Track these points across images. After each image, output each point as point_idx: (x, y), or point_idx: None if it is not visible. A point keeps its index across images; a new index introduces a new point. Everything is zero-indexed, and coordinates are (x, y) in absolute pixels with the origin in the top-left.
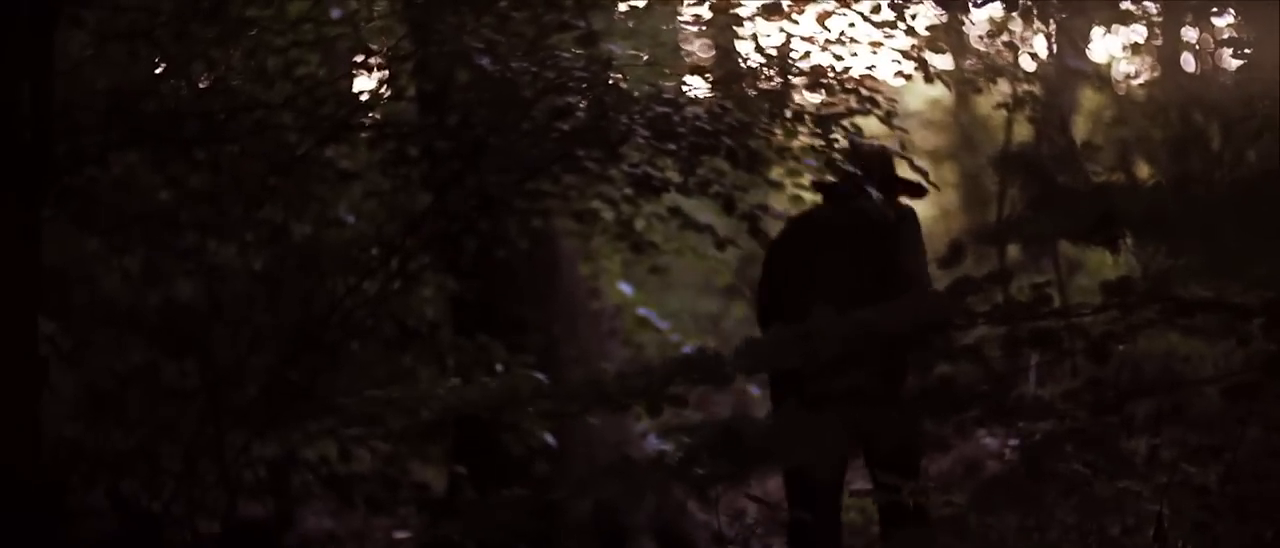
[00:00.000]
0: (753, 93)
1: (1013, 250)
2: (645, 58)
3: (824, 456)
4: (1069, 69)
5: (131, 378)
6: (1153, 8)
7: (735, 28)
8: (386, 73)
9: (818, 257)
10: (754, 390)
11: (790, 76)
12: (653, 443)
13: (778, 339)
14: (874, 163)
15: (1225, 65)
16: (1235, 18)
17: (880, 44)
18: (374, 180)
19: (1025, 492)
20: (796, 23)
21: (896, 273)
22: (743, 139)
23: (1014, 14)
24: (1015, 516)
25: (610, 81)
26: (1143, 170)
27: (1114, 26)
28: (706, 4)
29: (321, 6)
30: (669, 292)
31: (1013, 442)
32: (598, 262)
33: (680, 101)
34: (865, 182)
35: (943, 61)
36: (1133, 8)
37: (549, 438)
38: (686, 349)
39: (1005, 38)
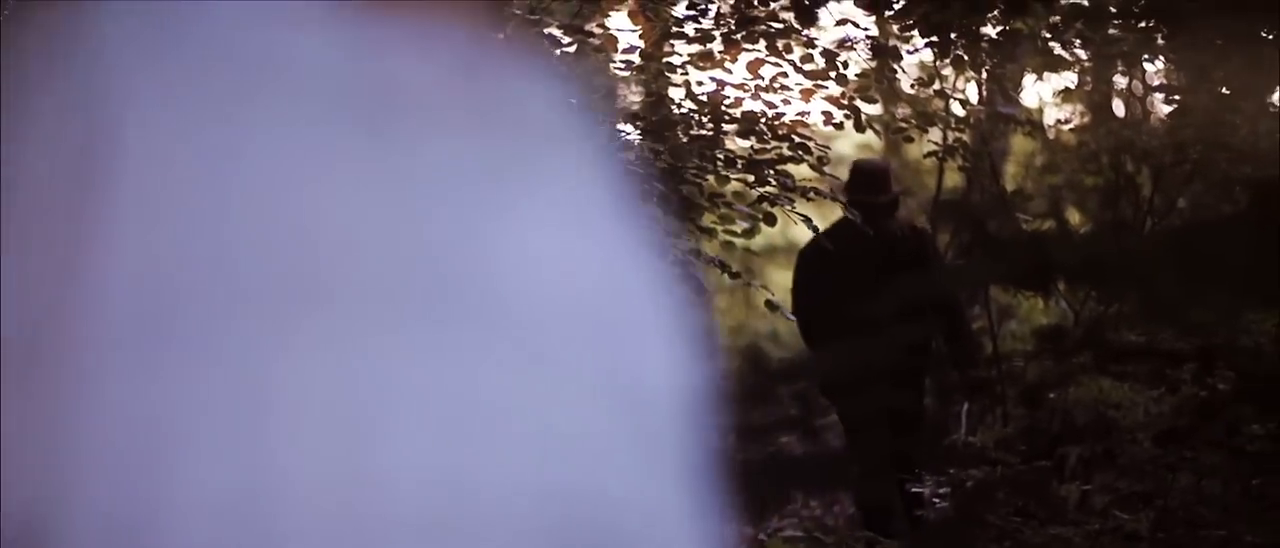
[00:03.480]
0: (685, 139)
1: None
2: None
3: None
4: (1000, 115)
5: None
6: (1083, 54)
7: (668, 74)
8: None
9: (843, 280)
10: None
11: (723, 123)
12: None
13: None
14: (880, 179)
15: (1156, 111)
16: (1165, 64)
17: (812, 92)
18: None
19: (960, 537)
20: (729, 71)
21: (928, 285)
22: (675, 185)
23: (945, 61)
24: None
25: None
26: (1074, 217)
27: (1045, 73)
28: (638, 51)
29: None
30: None
31: (943, 489)
32: None
33: (612, 147)
34: (879, 197)
35: (874, 109)
36: (1064, 54)
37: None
38: None
39: (936, 85)
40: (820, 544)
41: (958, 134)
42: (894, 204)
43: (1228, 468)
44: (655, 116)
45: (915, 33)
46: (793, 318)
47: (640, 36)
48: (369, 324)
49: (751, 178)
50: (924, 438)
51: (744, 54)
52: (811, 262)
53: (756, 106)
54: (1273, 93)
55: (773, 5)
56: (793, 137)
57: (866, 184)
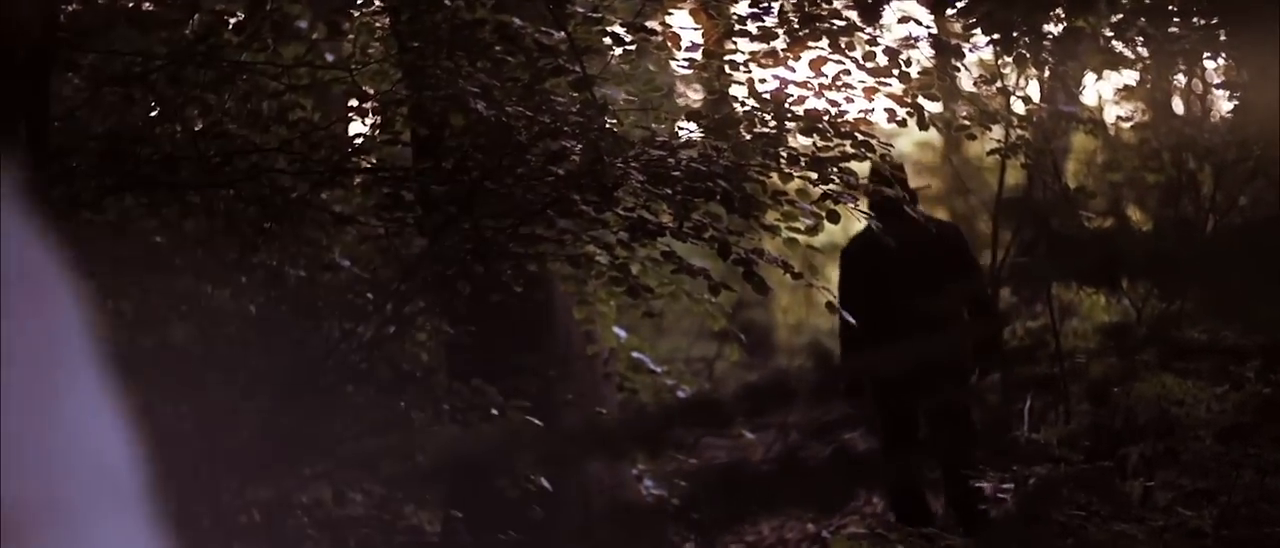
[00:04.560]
0: (748, 137)
1: (1005, 295)
2: (640, 102)
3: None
4: (1061, 113)
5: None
6: (1144, 52)
7: (730, 72)
8: (381, 117)
9: (886, 276)
10: (749, 435)
11: (786, 121)
12: (649, 488)
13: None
14: (899, 179)
15: (1218, 108)
16: (1226, 61)
17: (875, 90)
18: (369, 225)
19: (1024, 534)
20: (792, 69)
21: (964, 283)
22: (737, 183)
23: (1007, 59)
24: None
25: (605, 126)
26: (1135, 214)
27: (1106, 71)
28: (701, 49)
29: (316, 51)
30: (663, 336)
31: (1007, 484)
32: (593, 306)
33: (675, 146)
34: (903, 197)
35: (935, 106)
36: (1125, 52)
37: (545, 483)
38: (681, 394)
39: (998, 83)
40: (883, 541)
41: (1020, 132)
42: (914, 200)
43: None
44: (717, 114)
45: (977, 30)
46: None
47: (702, 35)
48: None
49: (814, 175)
50: (968, 433)
51: (807, 52)
52: (852, 262)
53: (819, 104)
54: None
55: (835, 3)
56: (856, 134)
57: (885, 182)
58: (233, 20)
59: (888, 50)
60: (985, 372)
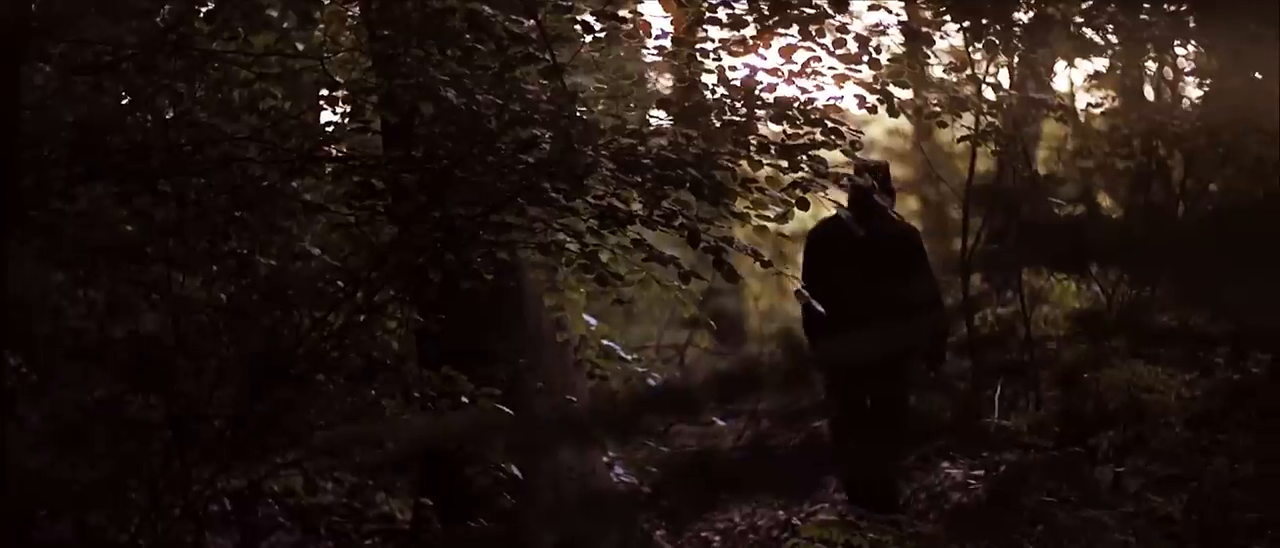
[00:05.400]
0: (718, 125)
1: (976, 282)
2: (610, 90)
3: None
4: (1031, 100)
5: (97, 411)
6: (1115, 38)
7: (701, 60)
8: (351, 105)
9: (845, 265)
10: (720, 422)
11: (755, 108)
12: (620, 475)
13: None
14: (880, 176)
15: (1187, 95)
16: (1196, 48)
17: (845, 77)
18: (339, 213)
19: (994, 521)
20: (762, 56)
21: (918, 282)
22: (707, 170)
23: (976, 46)
24: (984, 544)
25: (575, 114)
26: (1106, 201)
27: (1076, 58)
28: (671, 37)
29: (287, 39)
30: (633, 324)
31: (976, 471)
32: (563, 293)
33: (645, 133)
34: (876, 194)
35: (905, 93)
36: (1095, 38)
37: (515, 470)
38: (651, 381)
39: (968, 70)
40: (853, 528)
41: (990, 119)
42: (893, 201)
43: (1261, 451)
44: (688, 102)
45: (947, 17)
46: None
47: (672, 22)
48: None
49: (784, 163)
50: (907, 425)
51: (777, 39)
52: (817, 248)
53: (790, 91)
54: None
55: None
56: (825, 121)
57: (880, 183)
58: (203, 9)
59: (858, 37)
60: (932, 367)
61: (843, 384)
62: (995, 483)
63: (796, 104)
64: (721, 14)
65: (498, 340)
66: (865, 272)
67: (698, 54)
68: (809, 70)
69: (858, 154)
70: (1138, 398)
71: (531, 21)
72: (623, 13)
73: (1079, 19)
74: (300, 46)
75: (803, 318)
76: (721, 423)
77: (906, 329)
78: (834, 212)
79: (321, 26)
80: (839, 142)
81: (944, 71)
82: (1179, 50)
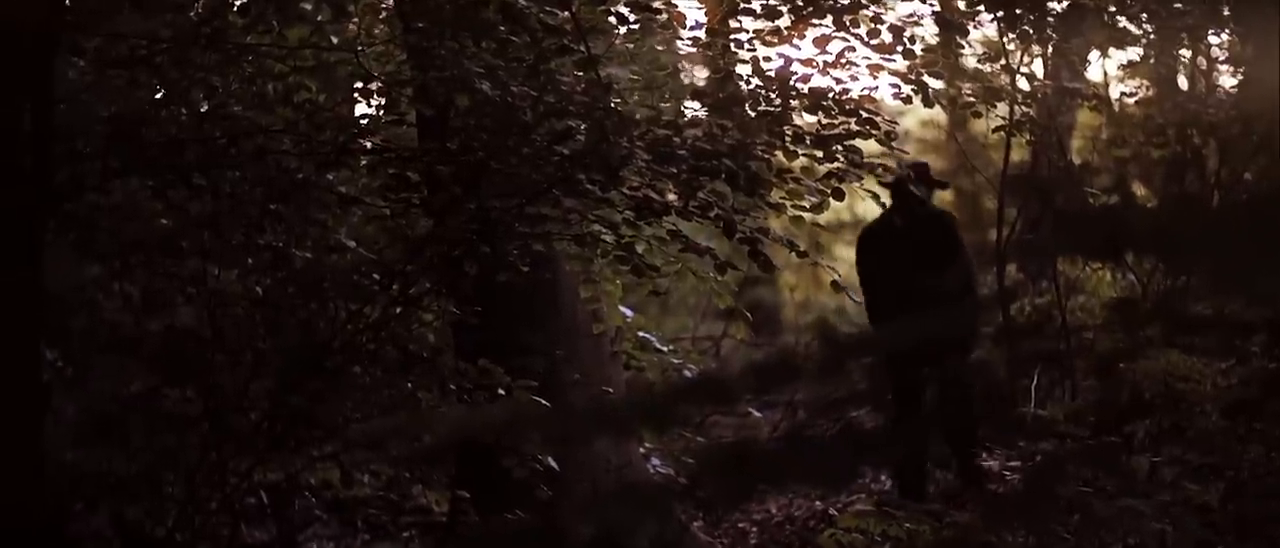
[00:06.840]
0: (752, 115)
1: (1010, 271)
2: (644, 81)
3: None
4: (1065, 90)
5: (133, 404)
6: (1149, 28)
7: (734, 50)
8: (386, 98)
9: (890, 258)
10: (756, 413)
11: (790, 99)
12: (657, 466)
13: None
14: (922, 171)
15: (1221, 84)
16: (1230, 36)
17: (879, 67)
18: (375, 206)
19: (1031, 509)
20: (797, 46)
21: (954, 269)
22: (742, 161)
23: (1011, 36)
24: (1020, 534)
25: (610, 105)
26: (1140, 190)
27: (1110, 47)
28: (705, 28)
29: (321, 32)
30: (669, 315)
31: (1013, 461)
32: (599, 285)
33: (680, 124)
34: (919, 188)
35: (939, 83)
36: (1129, 28)
37: (551, 462)
38: (687, 372)
39: (1002, 60)
40: (890, 518)
41: (1024, 109)
42: (932, 194)
43: None
44: (722, 93)
45: (981, 7)
46: (857, 300)
47: (706, 13)
48: None
49: (819, 153)
50: (970, 411)
51: (811, 29)
52: (866, 244)
53: (824, 82)
54: None
55: None
56: (860, 112)
57: (923, 183)
58: (237, 2)
59: (892, 27)
60: (965, 351)
61: (897, 374)
62: (1031, 473)
63: (831, 94)
64: (755, 4)
65: (533, 332)
66: (908, 261)
67: (732, 45)
68: (843, 61)
69: (893, 145)
70: (1174, 387)
71: (566, 13)
72: (657, 4)
73: (1113, 8)
74: (335, 39)
75: (867, 314)
76: (758, 414)
77: (954, 315)
78: (879, 212)
79: (356, 19)
80: (873, 132)
81: (978, 62)
82: (1213, 39)
